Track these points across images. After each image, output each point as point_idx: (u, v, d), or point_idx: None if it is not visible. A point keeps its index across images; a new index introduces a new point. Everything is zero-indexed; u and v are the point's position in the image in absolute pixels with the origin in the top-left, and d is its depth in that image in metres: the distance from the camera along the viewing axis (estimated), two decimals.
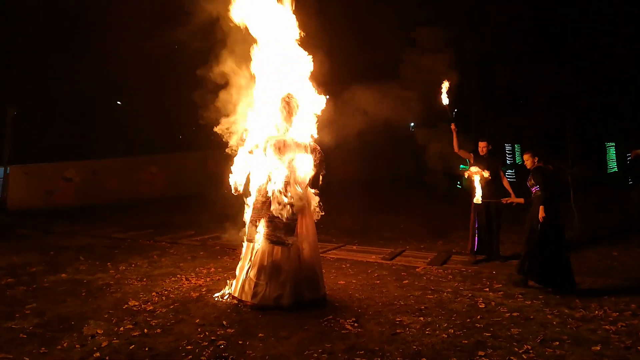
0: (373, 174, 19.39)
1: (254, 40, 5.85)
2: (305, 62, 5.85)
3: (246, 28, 5.80)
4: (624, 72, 17.25)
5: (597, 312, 5.20)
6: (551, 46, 17.44)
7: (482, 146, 7.76)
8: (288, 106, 5.60)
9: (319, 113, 5.87)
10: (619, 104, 17.55)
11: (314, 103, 5.88)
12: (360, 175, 19.48)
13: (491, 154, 7.78)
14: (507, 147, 20.76)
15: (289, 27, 5.79)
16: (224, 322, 4.98)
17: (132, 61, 18.22)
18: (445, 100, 7.80)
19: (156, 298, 5.84)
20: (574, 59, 16.60)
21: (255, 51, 5.85)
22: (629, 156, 11.74)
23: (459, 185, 18.58)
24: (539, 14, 17.44)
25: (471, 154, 7.85)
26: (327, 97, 6.75)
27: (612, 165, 18.80)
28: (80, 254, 8.27)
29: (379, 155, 19.88)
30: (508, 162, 20.83)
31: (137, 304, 5.62)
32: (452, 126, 7.80)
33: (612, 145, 18.81)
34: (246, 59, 5.93)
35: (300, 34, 5.81)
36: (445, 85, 7.71)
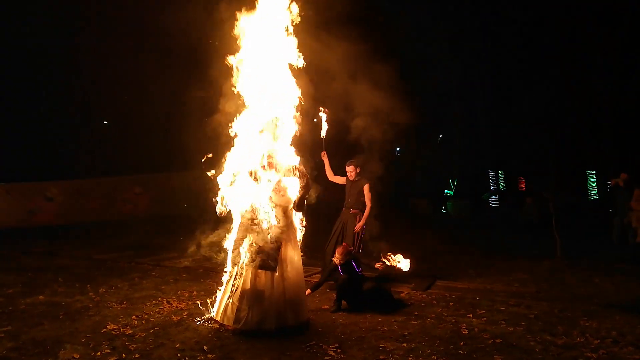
0: None
1: (245, 61, 5.89)
2: (294, 84, 5.90)
3: (238, 48, 5.86)
4: (604, 102, 17.77)
5: (578, 339, 5.22)
6: (535, 75, 17.93)
7: (350, 171, 7.64)
8: (274, 126, 5.62)
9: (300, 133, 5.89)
10: (600, 133, 18.02)
11: (300, 124, 5.92)
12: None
13: (362, 177, 7.62)
14: (491, 173, 21.03)
15: (281, 51, 5.86)
16: (205, 347, 4.90)
17: (119, 79, 18.22)
18: (324, 129, 7.30)
19: (136, 322, 5.72)
20: (556, 88, 17.07)
21: (245, 74, 5.89)
22: (609, 184, 11.99)
23: (444, 209, 18.73)
24: (525, 43, 17.98)
25: (344, 178, 7.72)
26: (315, 120, 6.80)
27: (593, 193, 19.15)
28: (59, 275, 8.10)
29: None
30: (492, 187, 21.07)
31: (116, 327, 5.50)
32: (323, 154, 7.59)
33: (593, 174, 19.19)
34: (235, 80, 5.96)
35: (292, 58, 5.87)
36: (324, 116, 7.21)
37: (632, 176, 10.48)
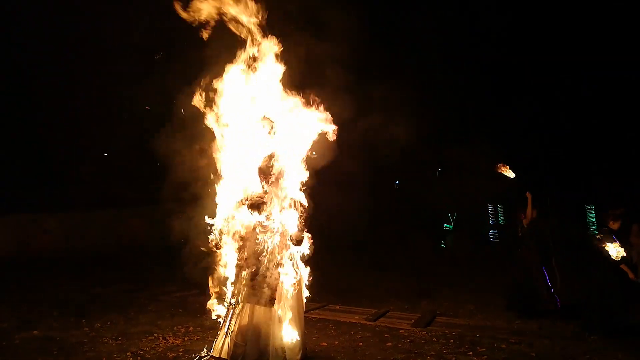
0: (357, 230, 19.36)
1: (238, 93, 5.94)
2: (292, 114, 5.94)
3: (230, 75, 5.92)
4: (601, 135, 17.95)
5: None
6: (531, 108, 18.16)
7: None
8: (271, 165, 5.63)
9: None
10: (598, 166, 18.13)
11: (300, 156, 5.93)
12: (344, 232, 19.41)
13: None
14: (490, 207, 21.05)
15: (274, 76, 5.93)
16: None
17: (119, 109, 18.34)
18: (511, 175, 8.58)
19: (131, 358, 5.64)
20: (552, 122, 17.26)
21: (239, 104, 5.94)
22: None
23: (443, 244, 18.63)
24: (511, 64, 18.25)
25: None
26: (314, 154, 6.84)
27: (593, 228, 19.11)
28: (54, 309, 8.01)
29: (364, 211, 19.96)
30: (491, 222, 21.04)
31: None
32: (527, 194, 8.39)
33: (592, 208, 19.20)
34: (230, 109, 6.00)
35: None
36: (503, 169, 8.52)
37: (629, 210, 10.46)
